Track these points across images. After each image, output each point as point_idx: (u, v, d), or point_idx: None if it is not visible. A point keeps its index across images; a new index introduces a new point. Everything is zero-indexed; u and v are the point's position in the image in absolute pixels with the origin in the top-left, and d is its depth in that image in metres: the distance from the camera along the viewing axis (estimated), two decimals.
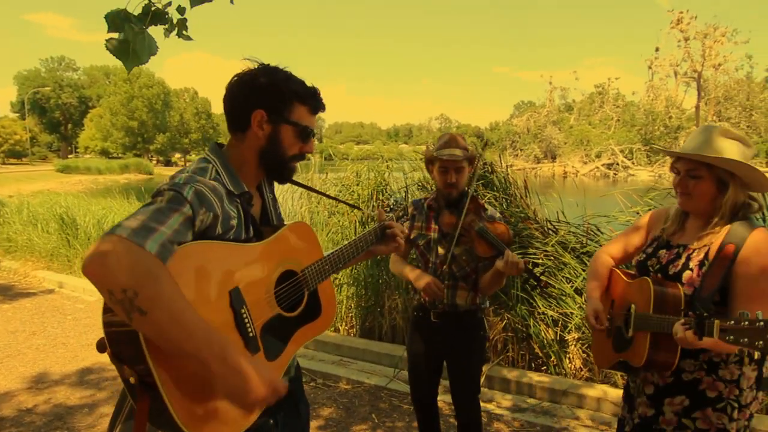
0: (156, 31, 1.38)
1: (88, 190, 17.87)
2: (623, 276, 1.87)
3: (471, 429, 2.41)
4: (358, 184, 5.38)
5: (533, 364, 3.91)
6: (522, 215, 4.27)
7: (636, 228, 1.94)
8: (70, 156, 63.34)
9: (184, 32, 1.44)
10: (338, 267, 1.50)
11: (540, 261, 3.91)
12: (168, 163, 64.99)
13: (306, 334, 1.37)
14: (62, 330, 4.95)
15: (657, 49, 46.34)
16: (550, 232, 4.18)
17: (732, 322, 1.30)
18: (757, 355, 1.28)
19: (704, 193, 1.63)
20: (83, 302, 5.96)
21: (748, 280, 1.53)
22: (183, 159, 68.94)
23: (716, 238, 1.61)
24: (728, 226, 1.61)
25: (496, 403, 3.53)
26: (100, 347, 1.09)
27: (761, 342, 1.24)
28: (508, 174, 4.75)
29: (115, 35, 1.31)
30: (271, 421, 1.32)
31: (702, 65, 43.54)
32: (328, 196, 2.18)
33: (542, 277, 2.11)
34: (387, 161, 5.54)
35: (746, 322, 1.26)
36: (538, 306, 3.84)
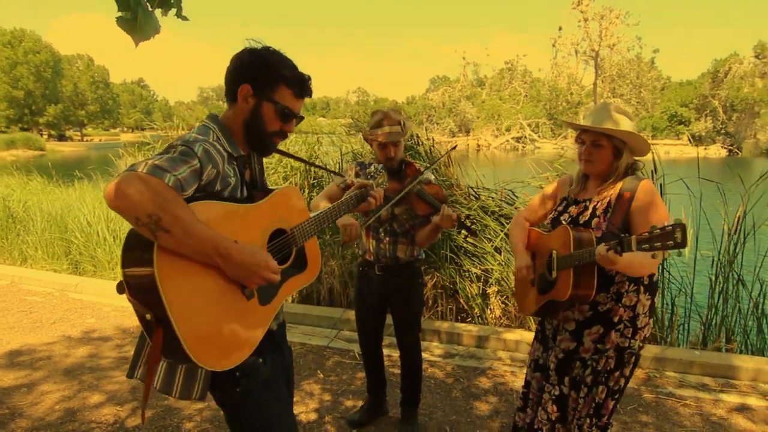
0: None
1: None
2: (542, 232, 2.24)
3: (411, 363, 2.74)
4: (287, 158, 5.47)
5: (460, 317, 4.35)
6: (447, 183, 4.64)
7: (546, 194, 2.34)
8: None
9: (181, 14, 1.54)
10: (322, 226, 1.69)
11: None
12: (62, 137, 58.80)
13: (294, 284, 1.57)
14: None
15: (560, 28, 49.31)
16: (472, 197, 4.59)
17: (646, 234, 1.66)
18: (668, 254, 1.67)
19: (604, 159, 2.01)
20: None
21: (641, 215, 1.94)
22: (79, 133, 63.00)
23: (614, 190, 2.02)
24: (621, 181, 2.03)
25: (429, 352, 3.91)
26: (120, 289, 1.23)
27: (672, 241, 1.59)
28: (433, 146, 5.09)
29: (125, 13, 1.40)
30: (260, 360, 1.50)
31: (599, 45, 46.96)
32: (315, 165, 2.36)
33: (473, 227, 2.44)
34: (316, 135, 5.68)
35: (657, 230, 1.63)
36: (464, 264, 4.26)
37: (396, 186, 2.50)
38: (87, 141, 59.89)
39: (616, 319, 2.02)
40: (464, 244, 4.29)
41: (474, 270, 4.25)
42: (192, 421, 2.87)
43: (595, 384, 2.06)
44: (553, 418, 2.15)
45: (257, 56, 1.43)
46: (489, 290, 4.23)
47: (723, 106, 46.36)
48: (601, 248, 1.81)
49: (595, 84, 47.72)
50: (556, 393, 2.14)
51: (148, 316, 1.20)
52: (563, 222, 2.13)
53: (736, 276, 3.82)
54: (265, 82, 1.44)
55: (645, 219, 1.94)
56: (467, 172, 5.21)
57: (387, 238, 2.56)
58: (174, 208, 1.17)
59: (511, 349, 3.91)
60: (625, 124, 1.98)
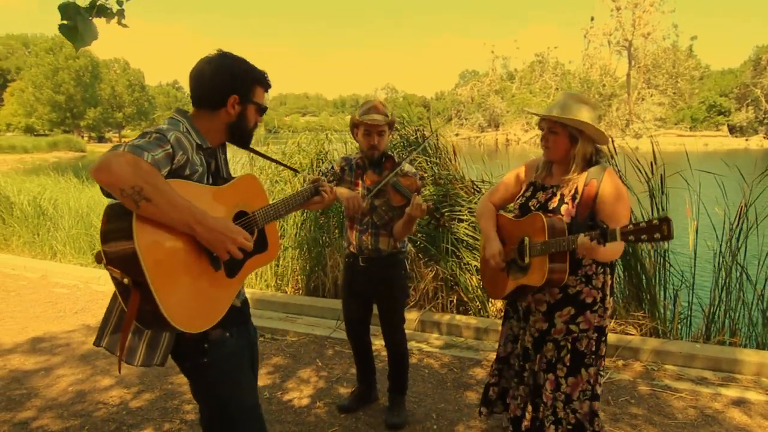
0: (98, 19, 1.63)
1: (15, 171, 16.91)
2: (511, 218, 2.29)
3: (396, 352, 2.81)
4: (299, 153, 5.63)
5: (461, 309, 4.39)
6: (450, 177, 4.68)
7: (513, 178, 2.38)
8: None
9: (122, 21, 1.69)
10: (281, 213, 1.81)
11: (465, 217, 4.35)
12: (101, 139, 61.32)
13: (256, 263, 1.69)
14: (7, 305, 4.98)
15: (592, 19, 48.02)
16: (474, 191, 4.62)
17: (631, 227, 1.73)
18: (653, 245, 1.74)
19: (560, 146, 2.09)
20: (25, 279, 5.93)
21: (607, 205, 2.02)
22: (118, 135, 65.39)
23: (581, 178, 2.07)
24: (588, 170, 2.07)
25: (428, 344, 3.98)
26: (98, 258, 1.37)
27: (659, 234, 1.67)
28: (438, 141, 5.13)
29: (66, 22, 1.55)
30: (227, 334, 1.63)
31: (632, 34, 45.55)
32: (272, 160, 2.46)
33: (442, 219, 2.50)
34: (326, 132, 5.81)
35: (644, 224, 1.70)
36: (464, 257, 4.30)
37: (376, 178, 2.59)
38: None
39: (590, 301, 2.10)
40: (465, 238, 4.34)
41: (474, 263, 4.29)
42: (191, 404, 3.03)
43: (584, 366, 2.14)
44: (527, 392, 2.23)
45: (233, 69, 1.59)
46: None
47: (765, 95, 44.28)
48: (584, 239, 1.86)
49: (628, 75, 46.35)
50: (535, 368, 2.22)
51: (126, 281, 1.32)
52: (532, 208, 2.18)
53: (739, 268, 3.73)
54: (246, 89, 1.61)
55: (611, 209, 2.02)
56: (471, 166, 5.25)
57: (368, 231, 2.65)
58: (153, 180, 1.32)
59: None
60: (582, 113, 2.02)
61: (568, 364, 2.13)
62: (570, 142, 2.06)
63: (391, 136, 2.70)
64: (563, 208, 2.07)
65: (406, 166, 2.62)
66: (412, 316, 4.21)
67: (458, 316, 4.23)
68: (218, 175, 1.70)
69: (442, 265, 4.32)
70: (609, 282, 2.13)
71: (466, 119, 53.48)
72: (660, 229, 1.66)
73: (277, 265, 5.25)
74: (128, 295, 1.33)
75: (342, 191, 2.57)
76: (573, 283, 2.10)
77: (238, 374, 1.64)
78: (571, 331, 2.12)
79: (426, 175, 4.65)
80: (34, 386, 3.29)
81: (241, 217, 1.62)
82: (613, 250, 1.94)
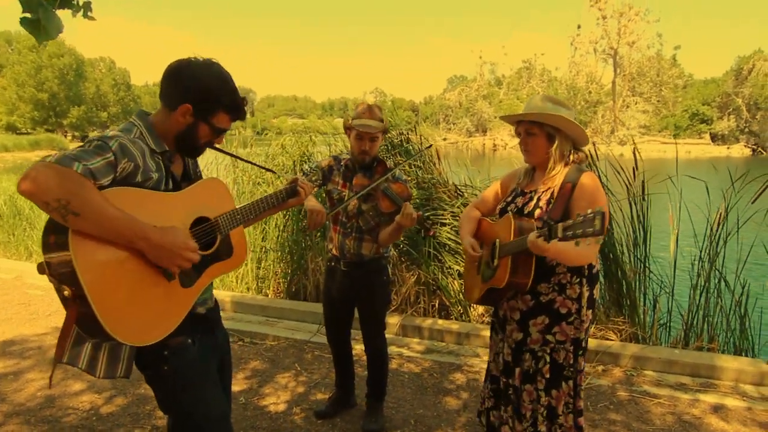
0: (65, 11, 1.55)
1: None
2: (489, 221, 2.27)
3: (376, 358, 2.77)
4: (282, 155, 5.57)
5: (442, 313, 4.36)
6: (434, 181, 4.66)
7: (496, 186, 2.37)
8: None
9: (89, 13, 1.62)
10: (250, 217, 1.73)
11: (447, 221, 4.33)
12: (84, 138, 60.12)
13: (219, 270, 1.62)
14: None
15: (579, 27, 48.58)
16: (458, 195, 4.61)
17: (570, 221, 1.70)
18: (589, 241, 1.64)
19: (539, 147, 2.04)
20: None
21: (580, 208, 1.91)
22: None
23: (558, 181, 2.03)
24: (564, 171, 2.03)
25: (409, 348, 3.95)
26: (40, 269, 1.31)
27: (591, 228, 1.61)
28: (422, 144, 5.11)
29: (29, 14, 1.48)
30: (189, 341, 1.57)
31: (618, 42, 46.18)
32: (244, 160, 2.39)
33: (432, 229, 2.47)
34: (310, 134, 5.76)
35: (580, 217, 1.65)
36: (446, 261, 4.28)
37: (365, 182, 2.54)
38: None
39: (564, 311, 2.04)
40: (447, 242, 4.32)
41: (457, 267, 4.27)
42: None
43: (564, 379, 2.07)
44: (513, 411, 2.16)
45: (201, 81, 1.48)
46: None
47: (747, 105, 45.17)
48: (532, 235, 1.83)
49: (614, 82, 46.96)
50: (516, 383, 2.15)
51: (66, 293, 1.27)
52: (509, 211, 2.15)
53: (717, 274, 3.76)
54: (206, 108, 1.51)
55: (582, 210, 1.90)
56: (456, 170, 5.24)
57: (353, 234, 2.60)
58: (82, 192, 1.22)
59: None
60: (556, 113, 1.99)
61: (547, 375, 2.07)
62: (548, 142, 2.02)
63: (383, 140, 2.66)
64: (537, 211, 2.04)
65: (397, 172, 2.58)
66: (393, 321, 4.17)
67: (440, 321, 4.20)
68: (187, 179, 1.64)
69: (424, 269, 4.29)
70: (587, 294, 2.05)
71: (454, 124, 53.71)
72: (593, 223, 1.60)
73: (259, 268, 5.18)
74: (68, 306, 1.28)
75: (309, 202, 2.48)
76: (545, 291, 2.05)
77: (203, 382, 1.58)
78: (547, 341, 2.05)
79: (409, 179, 4.63)
80: (1, 391, 3.18)
81: (201, 223, 1.56)
82: (576, 253, 1.86)
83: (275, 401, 3.12)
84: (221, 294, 4.87)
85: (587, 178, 1.99)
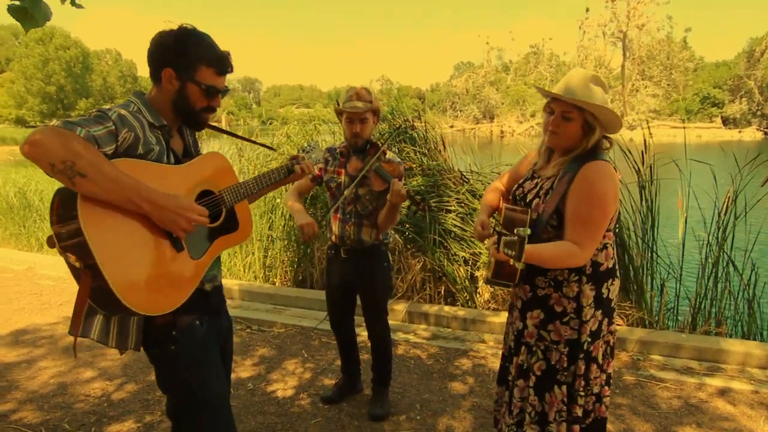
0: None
1: (5, 162, 16.74)
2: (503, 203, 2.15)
3: (379, 344, 2.79)
4: (287, 143, 5.58)
5: (448, 300, 4.37)
6: (438, 168, 4.65)
7: (523, 160, 2.17)
8: None
9: (77, 1, 1.61)
10: (254, 192, 1.74)
11: (452, 208, 4.32)
12: None
13: (226, 243, 1.64)
14: None
15: (587, 10, 47.78)
16: (463, 182, 4.59)
17: (508, 237, 1.56)
18: (513, 263, 1.53)
19: (572, 134, 1.81)
20: (11, 271, 5.87)
21: (573, 205, 1.76)
22: None
23: (561, 170, 1.85)
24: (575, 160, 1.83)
25: (415, 335, 3.97)
26: (50, 243, 1.31)
27: (513, 251, 1.52)
28: (426, 131, 5.09)
29: (16, 1, 1.48)
30: (198, 321, 1.59)
31: (627, 25, 45.41)
32: (242, 137, 2.40)
33: (421, 203, 2.47)
34: (314, 122, 5.76)
35: (515, 236, 1.53)
36: (452, 248, 4.28)
37: (359, 165, 2.56)
38: None
39: (559, 309, 1.86)
40: (453, 228, 4.31)
41: (462, 254, 4.26)
42: None
43: (557, 383, 1.89)
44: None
45: (175, 39, 1.49)
46: (477, 274, 4.24)
47: (759, 87, 44.39)
48: (489, 243, 1.76)
49: (623, 66, 46.26)
50: (512, 373, 2.04)
51: (77, 264, 1.27)
52: (518, 197, 2.00)
53: (726, 258, 3.73)
54: (186, 65, 1.50)
55: (571, 213, 1.77)
56: (463, 157, 5.21)
57: (352, 220, 2.62)
58: (87, 154, 1.23)
59: (496, 332, 3.92)
60: (598, 97, 1.77)
61: (537, 373, 1.91)
62: (583, 130, 1.79)
63: (376, 123, 2.66)
64: (534, 202, 1.89)
65: (390, 155, 2.59)
66: (399, 307, 4.19)
67: (446, 307, 4.21)
68: (188, 156, 1.64)
69: (430, 255, 4.29)
70: (588, 293, 1.83)
71: (461, 111, 53.26)
72: (514, 246, 1.51)
73: (266, 256, 5.21)
74: (79, 277, 1.29)
75: (299, 218, 2.51)
76: (542, 285, 1.89)
77: (207, 363, 1.61)
78: (542, 337, 1.90)
79: (414, 165, 4.62)
80: (15, 378, 3.25)
81: (205, 197, 1.57)
82: (549, 256, 1.72)
83: (283, 387, 3.15)
84: (229, 282, 4.92)
85: (588, 171, 1.77)
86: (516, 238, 1.52)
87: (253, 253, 5.19)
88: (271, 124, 7.98)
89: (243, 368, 3.42)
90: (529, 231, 1.55)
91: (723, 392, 3.08)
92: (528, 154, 2.12)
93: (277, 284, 5.10)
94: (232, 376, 3.27)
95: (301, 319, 4.27)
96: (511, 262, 1.58)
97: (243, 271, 5.24)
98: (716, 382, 3.20)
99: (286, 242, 5.06)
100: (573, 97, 1.75)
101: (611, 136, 1.88)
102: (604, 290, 1.88)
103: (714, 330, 3.74)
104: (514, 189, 2.04)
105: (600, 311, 1.87)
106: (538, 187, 1.92)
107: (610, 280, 1.90)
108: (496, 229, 1.97)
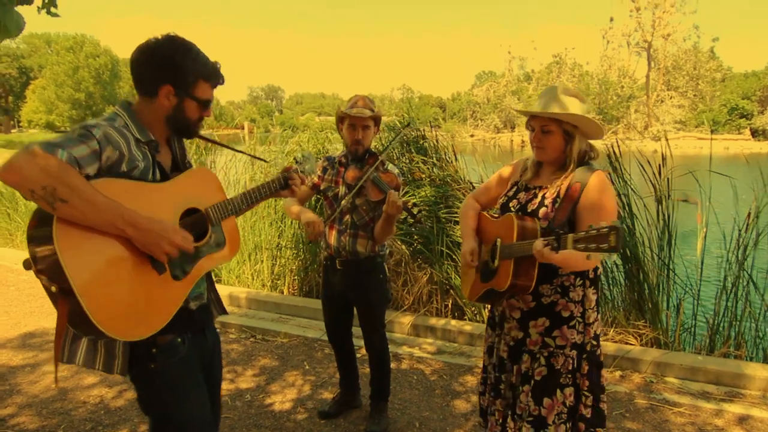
0: (31, 9, 1.53)
1: None
2: (490, 218, 2.17)
3: (376, 358, 2.73)
4: (299, 152, 5.57)
5: (456, 313, 4.27)
6: (448, 178, 4.57)
7: (499, 177, 2.24)
8: (12, 131, 59.90)
9: (52, 9, 1.59)
10: (242, 208, 1.70)
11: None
12: None
13: (212, 261, 1.59)
14: (5, 300, 5.00)
15: (611, 19, 47.21)
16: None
17: (582, 233, 1.58)
18: (603, 257, 1.54)
19: (555, 145, 1.92)
20: (26, 273, 5.93)
21: (588, 212, 1.84)
22: None
23: (566, 180, 1.92)
24: (574, 171, 1.91)
25: (420, 349, 3.88)
26: (26, 265, 1.28)
27: (606, 244, 1.50)
28: (437, 141, 5.02)
29: None
30: (179, 339, 1.54)
31: (652, 35, 44.71)
32: (230, 147, 2.38)
33: (418, 215, 2.41)
34: (326, 131, 5.76)
35: (594, 231, 1.54)
36: (459, 260, 4.18)
37: (357, 174, 2.52)
38: None
39: (566, 314, 1.94)
40: (460, 240, 4.21)
41: None
42: None
43: (560, 386, 1.94)
44: (505, 406, 2.08)
45: (172, 58, 1.46)
46: None
47: None
48: (539, 243, 1.73)
49: (647, 76, 45.51)
50: (512, 381, 2.07)
51: (53, 288, 1.24)
52: (511, 208, 2.05)
53: (746, 277, 3.55)
54: (185, 83, 1.48)
55: (589, 217, 1.83)
56: (474, 167, 5.13)
57: (347, 231, 2.56)
58: (68, 178, 1.20)
59: None
60: (574, 106, 1.88)
61: (537, 378, 1.95)
62: (564, 140, 1.90)
63: (376, 132, 2.64)
64: (542, 210, 1.93)
65: (390, 166, 2.54)
66: (405, 320, 4.11)
67: (453, 321, 4.11)
68: (177, 169, 1.61)
69: (437, 268, 4.21)
70: (591, 297, 1.95)
71: (481, 120, 53.05)
72: (607, 238, 1.49)
73: (275, 265, 5.19)
74: (56, 303, 1.26)
75: (305, 215, 2.51)
76: (547, 293, 1.95)
77: (187, 383, 1.56)
78: (546, 344, 1.96)
79: (424, 176, 4.55)
80: (17, 383, 3.27)
81: (190, 215, 1.53)
82: (575, 260, 1.75)
83: (281, 399, 3.10)
84: (237, 290, 4.91)
85: (596, 180, 1.86)
86: (606, 229, 1.50)
87: (262, 261, 5.17)
88: (294, 130, 8.03)
89: (243, 379, 3.38)
90: (619, 222, 1.53)
91: (742, 419, 2.92)
92: (501, 172, 2.24)
93: (284, 293, 5.07)
94: (231, 387, 3.25)
95: (306, 330, 4.22)
96: (601, 256, 1.57)
97: (251, 279, 5.22)
98: (735, 408, 3.03)
99: (294, 251, 5.04)
100: (545, 111, 1.89)
101: (595, 143, 2.00)
102: (598, 293, 2.05)
103: (733, 353, 3.56)
104: (504, 201, 2.11)
105: (599, 314, 2.01)
106: (540, 197, 1.98)
107: (598, 283, 2.07)
108: (485, 258, 2.08)
